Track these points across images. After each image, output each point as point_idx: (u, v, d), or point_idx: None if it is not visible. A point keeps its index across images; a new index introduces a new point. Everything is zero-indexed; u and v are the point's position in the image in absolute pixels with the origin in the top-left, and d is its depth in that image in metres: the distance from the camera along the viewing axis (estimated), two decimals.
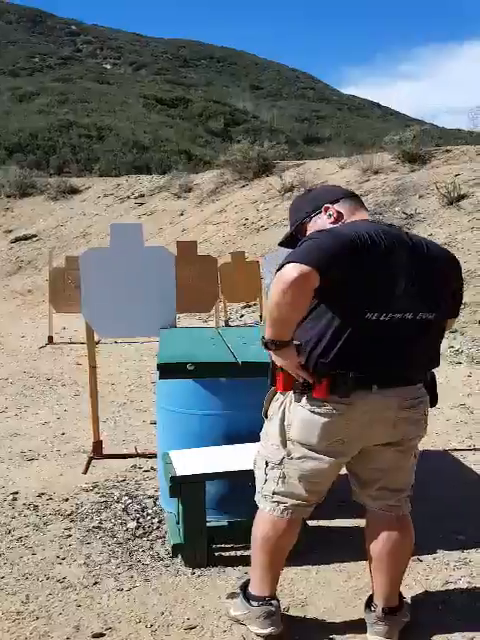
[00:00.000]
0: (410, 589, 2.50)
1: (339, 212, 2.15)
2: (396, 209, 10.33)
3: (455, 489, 3.45)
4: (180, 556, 2.71)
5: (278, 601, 2.24)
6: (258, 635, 2.19)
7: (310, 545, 2.77)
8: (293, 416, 2.06)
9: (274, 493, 2.14)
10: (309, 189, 2.50)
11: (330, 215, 2.15)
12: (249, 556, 2.63)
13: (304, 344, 1.99)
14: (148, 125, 30.55)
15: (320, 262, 1.86)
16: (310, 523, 2.93)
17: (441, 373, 5.88)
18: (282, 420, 2.09)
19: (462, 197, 9.65)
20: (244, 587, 2.31)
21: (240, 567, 2.64)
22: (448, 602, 2.45)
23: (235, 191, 14.29)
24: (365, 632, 2.25)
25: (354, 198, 2.24)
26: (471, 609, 2.40)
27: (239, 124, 35.17)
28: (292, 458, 2.09)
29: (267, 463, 2.15)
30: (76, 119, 28.57)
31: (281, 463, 2.12)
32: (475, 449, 4.05)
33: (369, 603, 2.25)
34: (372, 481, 2.18)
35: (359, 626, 2.29)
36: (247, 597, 2.25)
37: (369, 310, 1.95)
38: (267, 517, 2.17)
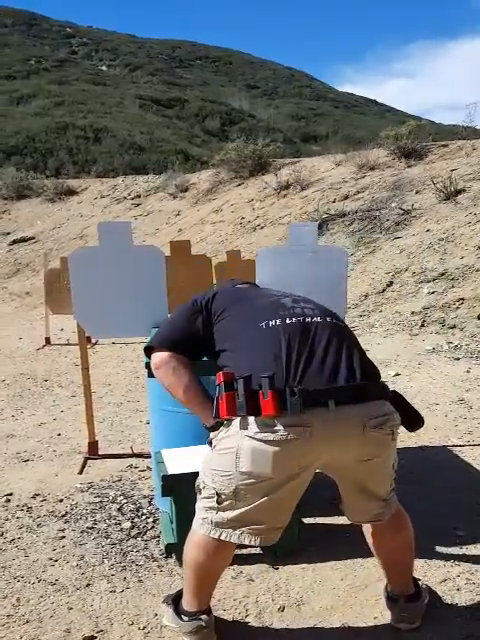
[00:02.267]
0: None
1: None
2: (393, 205, 10.29)
3: (453, 485, 3.42)
4: (174, 556, 2.68)
5: (209, 614, 2.15)
6: None
7: (305, 543, 2.75)
8: (241, 446, 1.90)
9: (227, 520, 1.99)
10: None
11: None
12: (243, 554, 2.62)
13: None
14: (144, 126, 30.58)
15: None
16: (305, 521, 2.91)
17: (440, 369, 5.86)
18: (229, 450, 1.94)
19: (459, 192, 9.61)
20: (176, 600, 2.24)
21: (235, 566, 2.60)
22: (446, 599, 2.42)
23: (231, 190, 14.25)
24: (362, 630, 2.23)
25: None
26: (470, 605, 2.37)
27: (235, 123, 35.20)
28: (246, 490, 1.93)
29: (219, 494, 1.97)
30: (72, 121, 28.60)
31: (234, 494, 1.95)
32: (474, 445, 4.01)
33: (389, 595, 2.28)
34: (350, 498, 2.12)
35: (356, 624, 2.27)
36: (178, 612, 2.19)
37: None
38: (202, 541, 2.06)
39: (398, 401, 2.06)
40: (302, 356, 1.95)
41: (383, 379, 2.10)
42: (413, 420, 2.09)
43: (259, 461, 1.88)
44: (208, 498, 2.02)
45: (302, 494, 2.04)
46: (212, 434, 2.05)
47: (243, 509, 1.96)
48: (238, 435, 1.91)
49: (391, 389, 2.08)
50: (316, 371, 1.92)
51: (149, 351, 2.25)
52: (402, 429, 2.08)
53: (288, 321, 2.06)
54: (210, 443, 2.06)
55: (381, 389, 2.02)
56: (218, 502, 1.99)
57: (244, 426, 1.90)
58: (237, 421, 1.92)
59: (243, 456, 1.90)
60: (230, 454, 1.93)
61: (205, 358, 2.27)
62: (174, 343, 2.19)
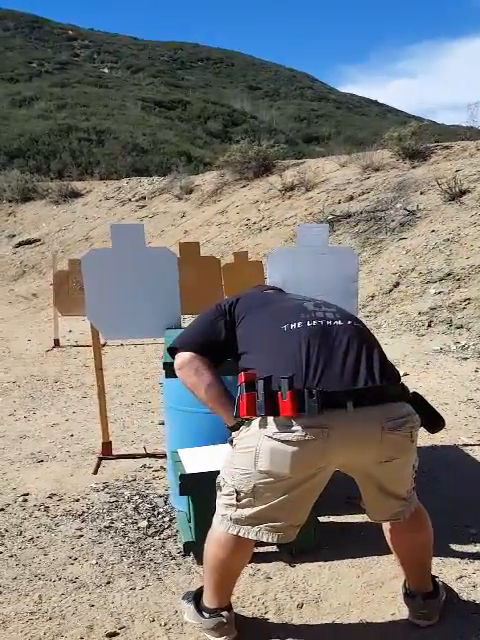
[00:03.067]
0: None
1: None
2: (397, 206, 10.31)
3: (466, 483, 3.45)
4: (192, 554, 2.72)
5: (230, 611, 2.20)
6: None
7: (321, 541, 2.78)
8: (261, 446, 1.95)
9: (245, 517, 2.03)
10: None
11: None
12: (260, 552, 2.65)
13: None
14: (147, 128, 30.61)
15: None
16: (321, 519, 2.94)
17: (448, 369, 5.89)
18: (249, 449, 1.98)
19: (464, 192, 9.62)
20: (197, 597, 2.28)
21: (253, 564, 2.63)
22: (463, 595, 2.44)
23: (236, 191, 14.28)
24: (380, 627, 2.27)
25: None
26: None
27: (238, 125, 35.23)
28: (265, 489, 1.98)
29: (238, 492, 2.02)
30: (75, 123, 28.63)
31: (252, 492, 2.00)
32: None
33: (407, 592, 2.31)
34: (370, 497, 2.15)
35: (374, 621, 2.30)
36: (199, 608, 2.23)
37: None
38: (222, 537, 2.10)
39: (418, 402, 2.09)
40: (322, 358, 1.98)
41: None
42: (434, 421, 2.13)
43: (277, 461, 1.92)
44: (228, 496, 2.06)
45: (320, 493, 2.08)
46: (234, 433, 2.08)
47: (261, 507, 2.00)
48: (258, 435, 1.95)
49: (412, 391, 2.11)
50: (335, 373, 1.96)
51: (173, 352, 2.28)
52: (421, 430, 2.11)
53: (309, 324, 2.10)
54: (231, 442, 2.10)
55: (401, 391, 2.04)
56: (237, 500, 2.03)
57: (263, 426, 1.94)
58: (257, 421, 1.96)
59: (262, 455, 1.94)
60: (250, 453, 1.97)
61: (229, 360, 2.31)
62: (197, 345, 2.23)
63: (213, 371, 2.19)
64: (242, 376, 1.99)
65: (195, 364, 2.18)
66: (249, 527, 2.04)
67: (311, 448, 1.89)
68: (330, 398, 1.89)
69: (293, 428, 1.89)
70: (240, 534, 2.05)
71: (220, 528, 2.10)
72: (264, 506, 2.00)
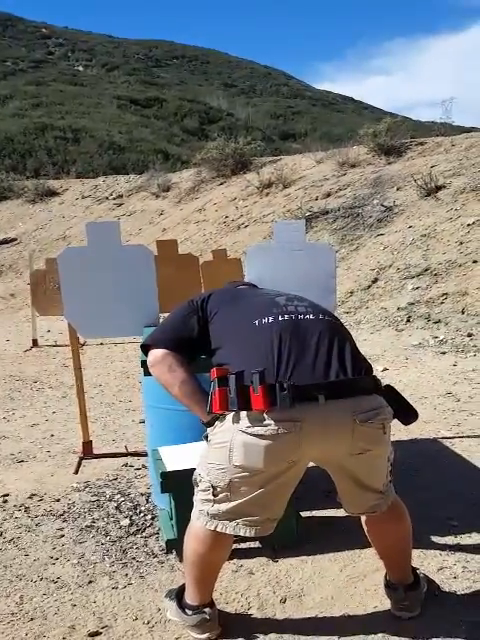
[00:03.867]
0: None
1: None
2: (374, 202, 10.38)
3: (446, 476, 3.48)
4: (174, 552, 2.71)
5: (212, 607, 2.20)
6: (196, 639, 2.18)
7: (303, 536, 2.79)
8: (234, 440, 1.95)
9: (222, 512, 2.04)
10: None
11: None
12: (243, 548, 2.66)
13: None
14: (123, 125, 30.46)
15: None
16: (303, 514, 2.95)
17: (427, 363, 5.94)
18: (223, 444, 1.99)
19: (439, 188, 9.71)
20: (180, 594, 2.27)
21: (235, 560, 2.63)
22: (444, 587, 2.46)
23: (213, 189, 14.27)
24: (363, 620, 2.27)
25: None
26: (467, 592, 2.42)
27: (214, 122, 35.15)
28: (240, 483, 1.99)
29: (214, 487, 2.03)
30: (51, 122, 28.40)
31: (228, 487, 2.01)
32: (463, 436, 4.08)
33: (388, 584, 2.32)
34: (345, 490, 2.15)
35: (356, 614, 2.31)
36: (182, 606, 2.23)
37: None
38: (200, 533, 2.10)
39: (391, 395, 2.10)
40: (293, 352, 1.99)
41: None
42: (407, 413, 2.13)
43: (251, 455, 1.93)
44: (204, 491, 2.08)
45: (296, 486, 2.09)
46: (209, 429, 2.09)
47: (238, 501, 2.01)
48: (231, 429, 1.96)
49: (385, 383, 2.12)
50: (307, 366, 1.97)
51: (146, 349, 2.28)
52: (396, 422, 2.13)
53: (281, 318, 2.11)
54: (206, 438, 2.10)
55: (373, 383, 2.05)
56: (214, 495, 2.04)
57: (236, 420, 1.95)
58: (230, 416, 1.97)
59: (236, 450, 1.95)
60: (224, 448, 1.98)
61: (203, 357, 2.30)
62: (170, 341, 2.22)
63: (186, 367, 2.18)
64: (214, 372, 2.00)
65: (168, 361, 2.18)
66: (226, 522, 2.05)
67: (284, 441, 1.90)
68: (302, 391, 1.90)
69: (265, 422, 1.90)
70: (218, 529, 2.06)
71: (198, 523, 2.11)
72: (240, 501, 2.01)
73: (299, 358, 1.98)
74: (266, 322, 2.10)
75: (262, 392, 1.88)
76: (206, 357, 2.25)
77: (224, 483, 2.00)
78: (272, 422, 1.89)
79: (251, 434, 1.91)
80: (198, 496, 2.12)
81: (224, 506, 2.03)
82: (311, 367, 1.96)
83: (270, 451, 1.91)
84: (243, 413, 1.93)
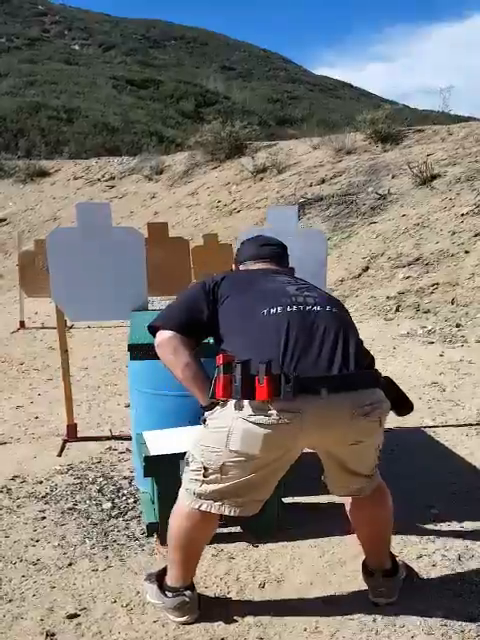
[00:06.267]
0: None
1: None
2: (369, 190, 10.35)
3: (428, 465, 3.50)
4: (155, 535, 2.71)
5: (192, 590, 2.23)
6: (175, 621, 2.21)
7: (285, 522, 2.80)
8: (234, 427, 1.98)
9: (209, 492, 2.08)
10: (256, 237, 2.67)
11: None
12: (223, 533, 2.66)
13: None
14: (118, 107, 30.17)
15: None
16: (285, 500, 2.96)
17: (414, 353, 5.95)
18: (222, 429, 2.01)
19: (434, 177, 9.69)
20: (160, 577, 2.29)
21: (216, 544, 2.64)
22: (423, 574, 2.48)
23: (207, 173, 14.20)
24: (340, 604, 2.29)
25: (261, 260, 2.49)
26: (445, 580, 2.44)
27: (210, 105, 34.86)
28: (233, 467, 2.02)
29: (206, 468, 2.06)
30: (45, 101, 28.08)
31: (220, 469, 2.04)
32: (447, 426, 4.10)
33: (366, 570, 2.35)
34: (332, 473, 2.19)
35: (334, 600, 2.33)
36: (162, 589, 2.25)
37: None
38: (185, 511, 2.14)
39: (389, 387, 2.13)
40: (299, 344, 2.02)
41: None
42: (402, 405, 2.18)
43: (249, 442, 1.96)
44: (195, 471, 2.10)
45: (286, 471, 2.12)
46: (207, 413, 2.10)
47: (227, 483, 2.04)
48: (232, 416, 1.99)
49: (384, 375, 2.15)
50: (312, 359, 1.99)
51: (153, 330, 2.26)
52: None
53: (289, 309, 2.12)
54: (204, 421, 2.12)
55: (374, 377, 2.09)
56: (204, 476, 2.07)
57: (239, 408, 1.97)
58: (232, 403, 1.99)
59: (235, 436, 1.98)
60: (222, 433, 2.01)
61: (210, 340, 2.31)
62: (177, 324, 2.21)
63: (191, 351, 2.18)
64: (220, 357, 2.02)
65: (174, 343, 2.17)
66: (212, 501, 2.08)
67: (283, 431, 1.94)
68: (305, 384, 1.93)
69: (268, 412, 1.93)
70: (202, 508, 2.09)
71: (185, 501, 2.14)
72: (230, 483, 2.04)
73: (304, 350, 2.01)
74: (274, 312, 2.11)
75: (267, 383, 1.91)
76: (212, 342, 2.27)
77: (217, 465, 2.04)
78: (274, 412, 1.92)
79: (252, 422, 1.95)
80: (187, 475, 2.14)
81: (213, 486, 2.07)
82: (315, 360, 1.99)
83: (268, 439, 1.94)
84: (246, 401, 1.96)
